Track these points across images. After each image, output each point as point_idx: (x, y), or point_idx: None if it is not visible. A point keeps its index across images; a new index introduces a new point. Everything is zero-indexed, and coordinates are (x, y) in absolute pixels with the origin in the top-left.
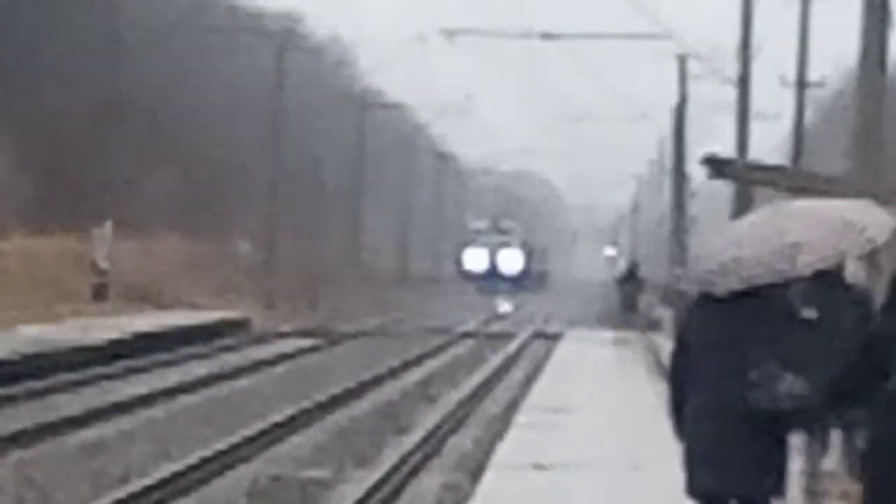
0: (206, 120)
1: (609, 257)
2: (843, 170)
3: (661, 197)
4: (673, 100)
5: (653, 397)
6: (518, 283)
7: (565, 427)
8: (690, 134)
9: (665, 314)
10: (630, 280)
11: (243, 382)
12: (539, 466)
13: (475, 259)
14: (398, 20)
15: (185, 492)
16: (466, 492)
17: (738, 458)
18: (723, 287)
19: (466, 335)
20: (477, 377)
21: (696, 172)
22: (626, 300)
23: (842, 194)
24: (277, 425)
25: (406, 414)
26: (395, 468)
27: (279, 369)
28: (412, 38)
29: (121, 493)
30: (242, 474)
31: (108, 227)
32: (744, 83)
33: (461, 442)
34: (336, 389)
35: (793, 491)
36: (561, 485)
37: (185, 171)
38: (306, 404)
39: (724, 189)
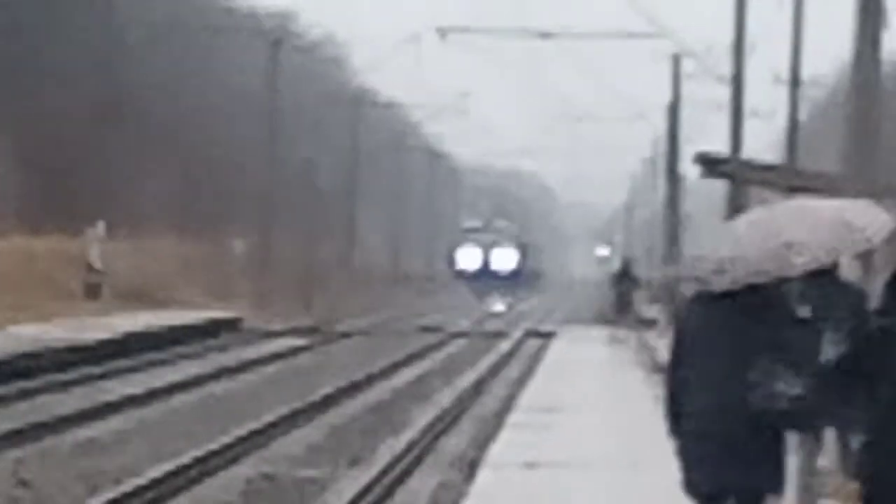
0: (202, 119)
1: (601, 257)
2: (838, 168)
3: (655, 196)
4: (667, 98)
5: (647, 396)
6: (512, 281)
7: (559, 426)
8: (684, 132)
9: (659, 312)
10: (624, 279)
11: (237, 382)
12: (532, 465)
13: (469, 258)
14: (398, 20)
15: (178, 492)
16: (460, 491)
17: (736, 456)
18: (720, 286)
19: (460, 334)
20: (471, 376)
21: (690, 171)
22: (621, 299)
23: (836, 192)
24: (271, 424)
25: (400, 413)
26: (389, 467)
27: (273, 368)
28: (407, 37)
29: (113, 493)
30: (236, 474)
31: (101, 227)
32: (737, 81)
33: (455, 441)
34: (330, 388)
35: (788, 488)
36: (555, 484)
37: (182, 170)
38: (300, 404)
39: (718, 187)
